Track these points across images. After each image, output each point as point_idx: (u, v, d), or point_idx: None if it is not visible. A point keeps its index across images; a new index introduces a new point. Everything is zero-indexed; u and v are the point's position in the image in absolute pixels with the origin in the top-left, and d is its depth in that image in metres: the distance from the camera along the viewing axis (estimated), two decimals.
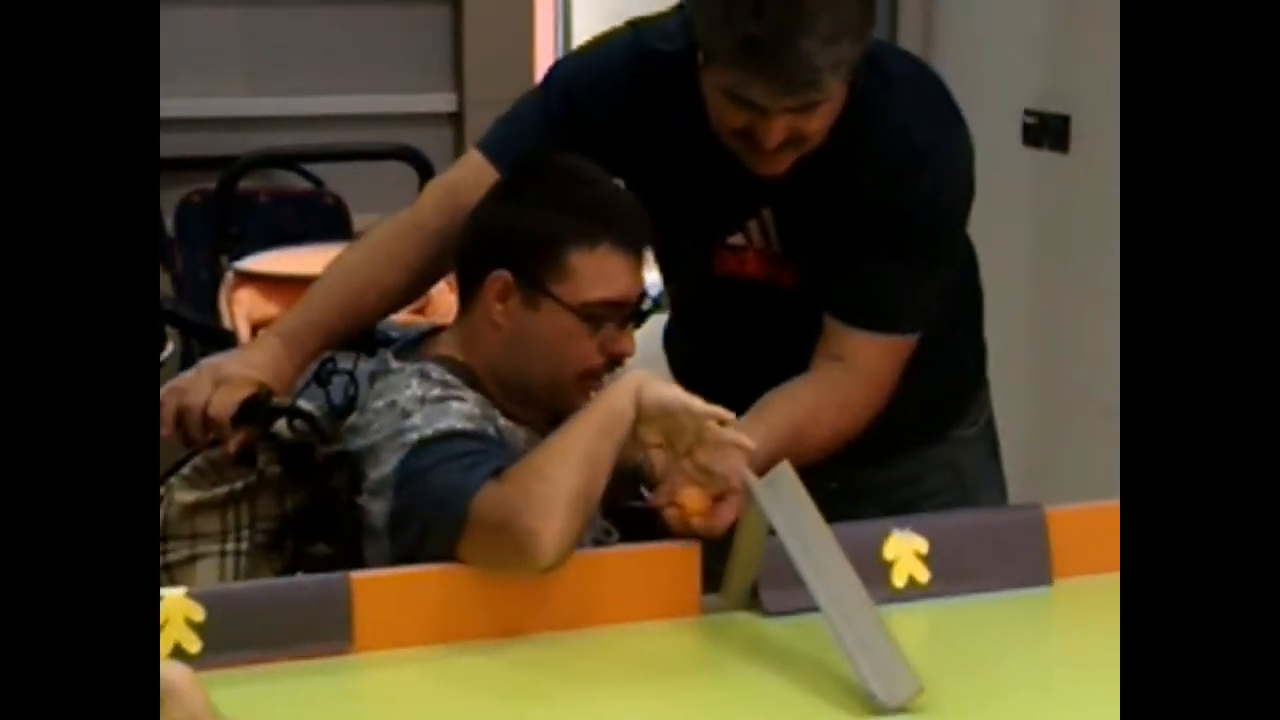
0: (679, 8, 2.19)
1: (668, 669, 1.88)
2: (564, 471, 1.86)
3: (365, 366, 2.15)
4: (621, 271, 2.09)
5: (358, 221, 4.02)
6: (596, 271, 2.07)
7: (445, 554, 1.89)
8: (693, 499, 1.92)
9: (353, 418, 2.08)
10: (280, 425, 2.10)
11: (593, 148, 2.16)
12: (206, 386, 2.04)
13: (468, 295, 2.14)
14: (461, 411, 2.00)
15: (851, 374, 2.16)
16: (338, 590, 1.83)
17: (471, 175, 2.22)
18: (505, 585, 1.88)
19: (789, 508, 1.86)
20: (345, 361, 2.20)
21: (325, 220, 4.01)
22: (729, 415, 1.93)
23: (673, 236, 2.23)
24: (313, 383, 2.16)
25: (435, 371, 2.06)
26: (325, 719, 1.77)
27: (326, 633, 1.81)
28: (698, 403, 1.91)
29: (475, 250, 2.13)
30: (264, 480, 2.08)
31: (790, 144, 2.06)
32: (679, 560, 1.95)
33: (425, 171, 3.92)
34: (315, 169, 4.11)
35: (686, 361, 2.39)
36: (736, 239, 2.23)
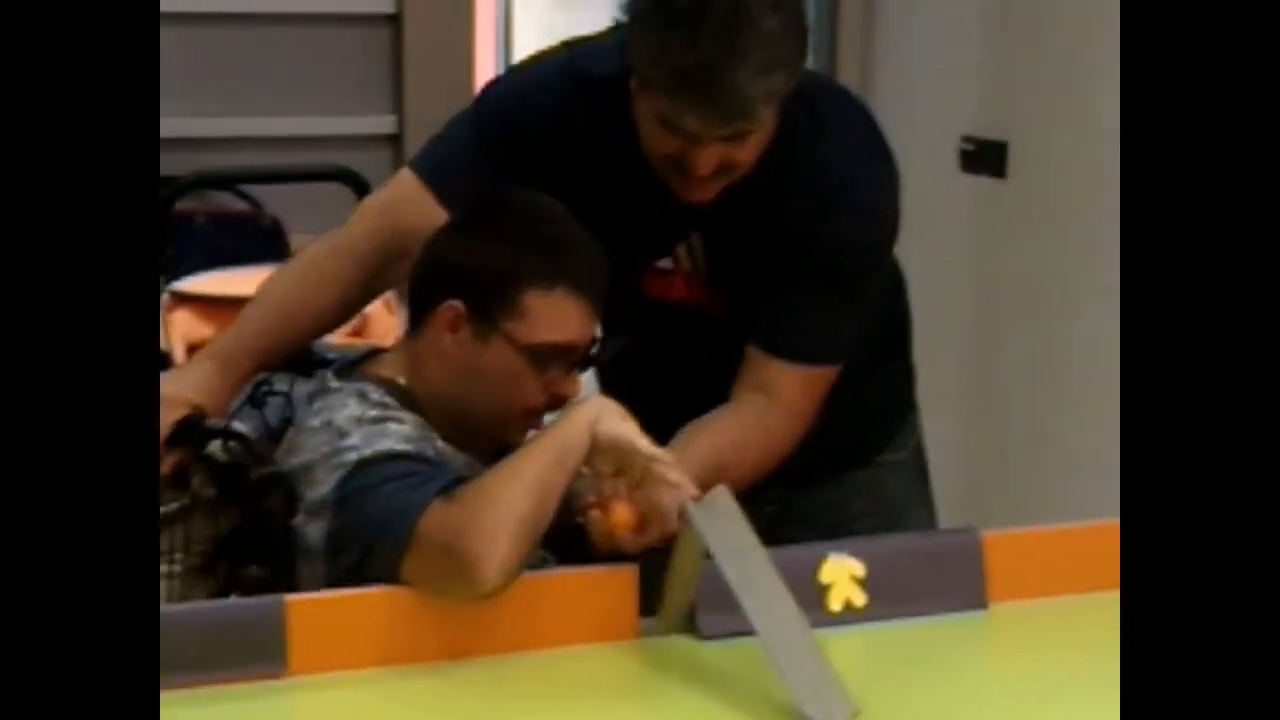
0: (615, 28, 2.18)
1: (605, 693, 1.87)
2: (514, 497, 1.85)
3: (301, 388, 2.14)
4: (575, 316, 2.08)
5: (295, 242, 4.00)
6: (551, 314, 2.06)
7: (388, 574, 1.88)
8: (622, 513, 1.91)
9: (288, 435, 2.07)
10: (214, 447, 2.08)
11: (525, 167, 2.17)
12: None
13: (417, 321, 2.13)
14: (400, 433, 1.99)
15: (773, 405, 2.16)
16: (272, 613, 1.81)
17: (403, 194, 2.23)
18: (442, 609, 1.87)
19: (726, 531, 1.85)
20: (281, 383, 2.19)
21: (263, 241, 3.99)
22: (670, 459, 1.92)
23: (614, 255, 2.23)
24: (247, 404, 2.15)
25: (374, 393, 2.06)
26: None
27: (260, 655, 1.80)
28: (646, 442, 1.90)
29: (431, 277, 2.12)
30: (197, 502, 2.07)
31: (720, 172, 2.07)
32: (616, 583, 1.94)
33: (363, 193, 3.89)
34: (253, 190, 4.09)
35: (615, 380, 2.38)
36: (665, 263, 2.23)
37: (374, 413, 2.02)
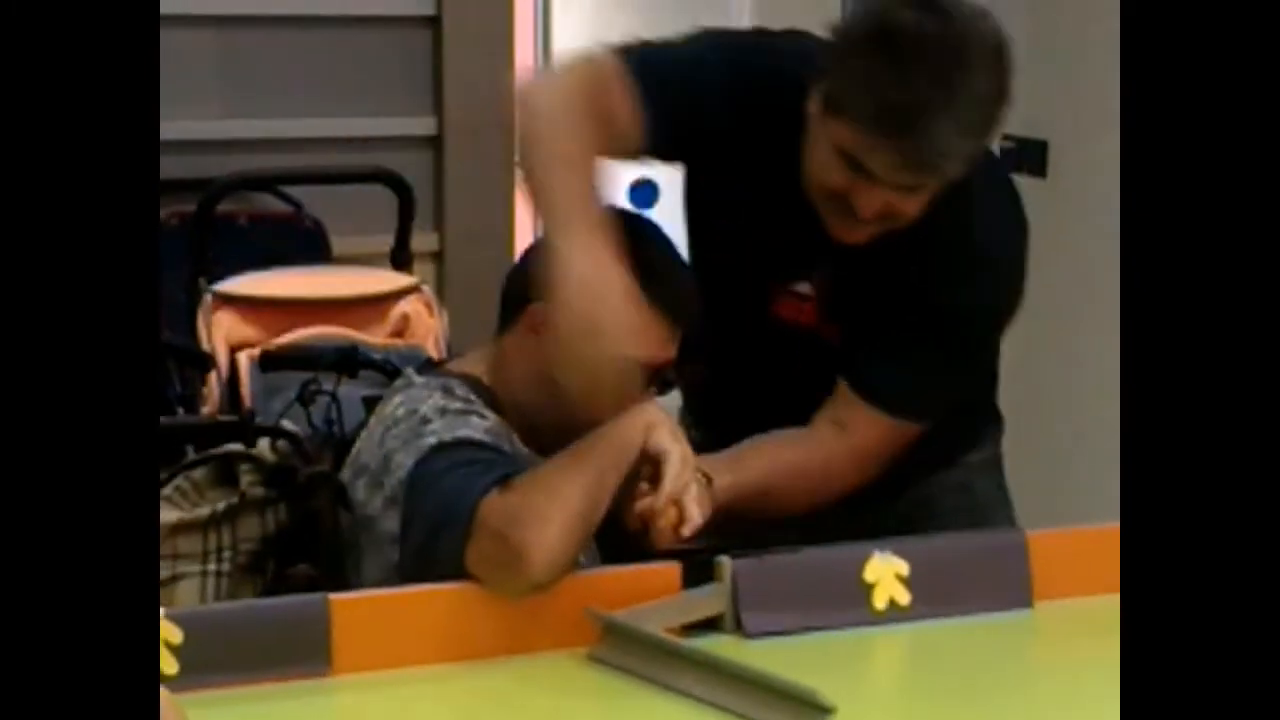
0: (793, 33, 2.16)
1: (650, 689, 1.86)
2: (567, 489, 1.86)
3: (346, 388, 2.15)
4: (654, 336, 2.07)
5: (337, 245, 4.02)
6: None
7: (454, 558, 1.88)
8: (669, 521, 1.92)
9: (366, 431, 2.08)
10: (263, 446, 2.10)
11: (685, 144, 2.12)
12: None
13: (506, 320, 2.14)
14: (481, 425, 2.00)
15: (847, 444, 2.15)
16: (316, 612, 1.81)
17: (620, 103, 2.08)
18: (485, 606, 1.87)
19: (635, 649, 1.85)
20: (328, 383, 2.20)
21: (304, 243, 4.00)
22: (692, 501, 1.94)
23: (729, 269, 2.19)
24: (295, 404, 2.16)
25: (459, 388, 2.07)
26: None
27: (304, 655, 1.80)
28: (690, 461, 1.92)
29: (523, 278, 2.12)
30: (246, 501, 2.07)
31: (881, 218, 2.04)
32: (661, 580, 1.94)
33: (404, 195, 3.92)
34: (294, 192, 4.10)
35: (707, 391, 2.34)
36: (803, 287, 2.20)
37: (458, 405, 2.03)
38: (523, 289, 2.11)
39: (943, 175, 1.99)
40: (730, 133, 2.12)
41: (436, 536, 1.91)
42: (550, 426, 2.06)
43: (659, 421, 1.93)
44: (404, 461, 1.98)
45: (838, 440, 2.15)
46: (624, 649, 1.84)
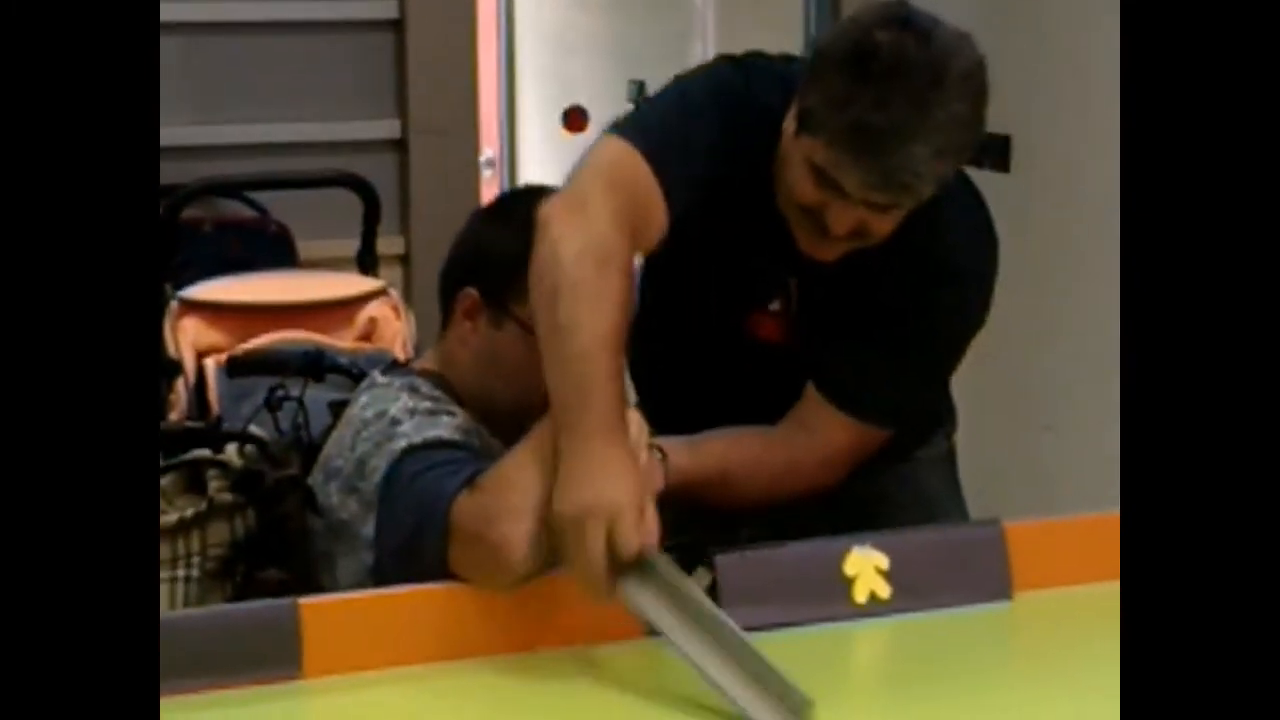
0: (787, 59, 2.17)
1: (620, 690, 1.85)
2: (534, 480, 1.84)
3: (314, 393, 2.15)
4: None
5: (303, 249, 4.01)
6: None
7: (436, 560, 1.88)
8: None
9: (336, 433, 2.08)
10: (230, 451, 2.10)
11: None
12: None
13: (446, 313, 2.16)
14: (451, 424, 2.01)
15: (812, 445, 2.16)
16: (286, 615, 1.81)
17: (646, 192, 2.04)
18: (454, 608, 1.87)
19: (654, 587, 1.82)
20: (295, 388, 2.20)
21: (270, 248, 4.00)
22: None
23: (702, 287, 2.19)
24: (263, 409, 2.16)
25: (424, 386, 2.09)
26: None
27: (275, 658, 1.79)
28: (644, 429, 1.90)
29: (451, 270, 2.17)
30: (214, 507, 2.07)
31: (853, 236, 2.05)
32: None
33: (370, 198, 3.92)
34: (259, 197, 4.09)
35: (667, 400, 2.32)
36: (774, 304, 2.21)
37: (427, 404, 2.04)
38: (454, 276, 2.13)
39: (916, 196, 1.99)
40: (719, 168, 2.11)
41: (418, 540, 1.91)
42: (504, 410, 2.07)
43: None
44: (379, 465, 1.99)
45: (804, 441, 2.16)
46: (647, 587, 1.81)
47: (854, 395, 2.16)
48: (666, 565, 1.81)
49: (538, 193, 2.12)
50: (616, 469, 1.80)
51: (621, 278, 1.93)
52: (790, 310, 2.21)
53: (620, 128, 2.09)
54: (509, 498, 1.84)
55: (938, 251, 2.14)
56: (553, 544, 1.80)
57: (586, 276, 1.90)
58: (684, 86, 2.17)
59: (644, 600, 1.80)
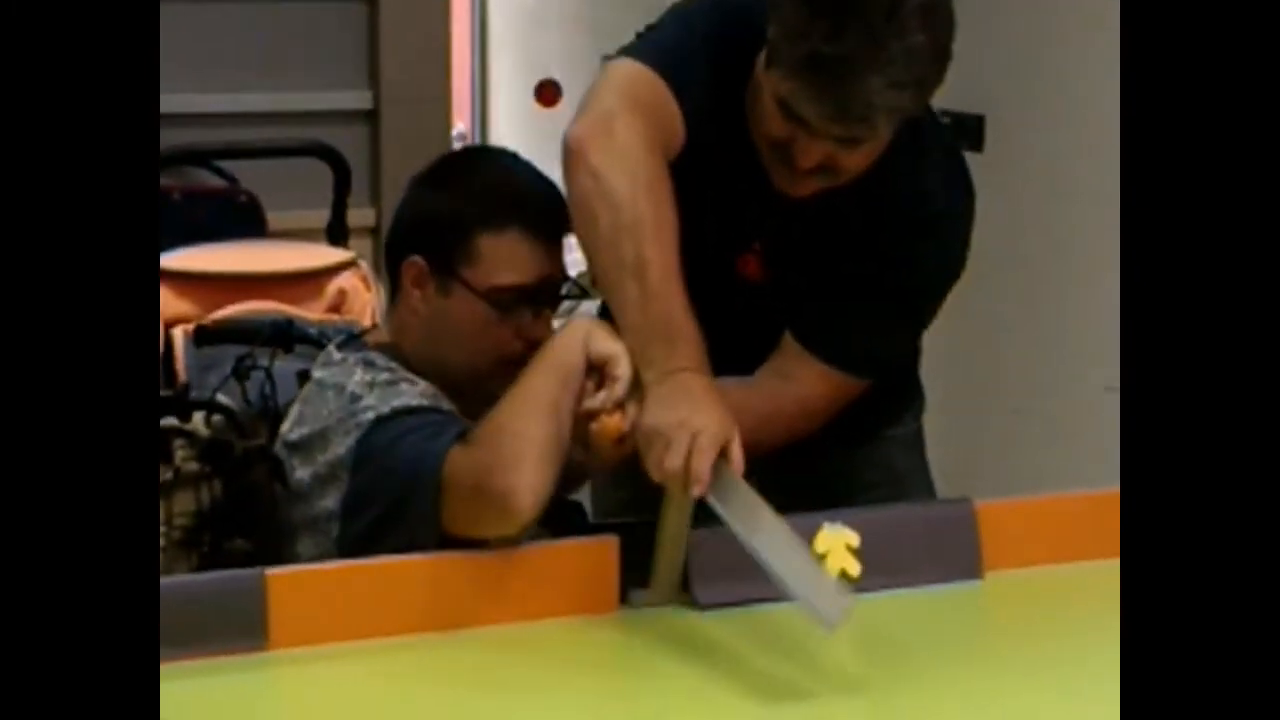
0: None
1: (585, 666, 1.86)
2: (527, 424, 1.85)
3: (282, 363, 2.14)
4: (530, 257, 2.08)
5: (272, 219, 4.00)
6: (505, 256, 2.07)
7: (423, 524, 1.88)
8: (610, 424, 1.90)
9: (294, 408, 2.07)
10: (197, 420, 2.09)
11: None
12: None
13: (394, 284, 2.14)
14: (414, 391, 2.01)
15: (790, 394, 2.16)
16: (252, 586, 1.80)
17: (656, 94, 2.05)
18: (420, 581, 1.87)
19: (717, 479, 1.84)
20: (263, 358, 2.19)
21: (240, 218, 3.97)
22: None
23: (691, 228, 2.13)
24: (231, 378, 2.15)
25: (380, 359, 2.07)
26: (238, 718, 1.75)
27: (241, 629, 1.79)
28: (628, 363, 1.90)
29: (395, 238, 2.15)
30: (180, 476, 2.07)
31: (822, 171, 2.05)
32: (596, 555, 1.94)
33: (340, 169, 3.90)
34: (229, 166, 4.08)
35: None
36: (757, 245, 2.21)
37: (385, 376, 2.03)
38: (398, 245, 2.13)
39: (874, 128, 1.99)
40: (709, 97, 2.11)
41: (402, 506, 1.91)
42: (459, 376, 2.07)
43: (594, 327, 1.92)
44: (342, 440, 1.98)
45: (782, 390, 2.16)
46: (726, 496, 1.84)
47: (832, 344, 2.15)
48: (738, 482, 1.84)
49: (474, 156, 2.11)
50: (705, 399, 1.84)
51: (671, 203, 1.95)
52: (769, 248, 2.21)
53: (629, 50, 2.10)
54: (507, 447, 1.84)
55: (915, 200, 2.14)
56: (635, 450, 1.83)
57: (645, 213, 1.92)
58: (688, 12, 2.17)
59: (718, 499, 1.83)
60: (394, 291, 2.15)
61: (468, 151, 2.13)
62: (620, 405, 1.89)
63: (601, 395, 1.89)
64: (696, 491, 1.80)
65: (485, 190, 2.08)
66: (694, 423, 1.81)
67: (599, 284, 1.98)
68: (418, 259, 2.09)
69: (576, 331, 1.91)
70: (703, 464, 1.79)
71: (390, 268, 2.15)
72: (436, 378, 2.08)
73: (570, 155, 1.97)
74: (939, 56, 1.97)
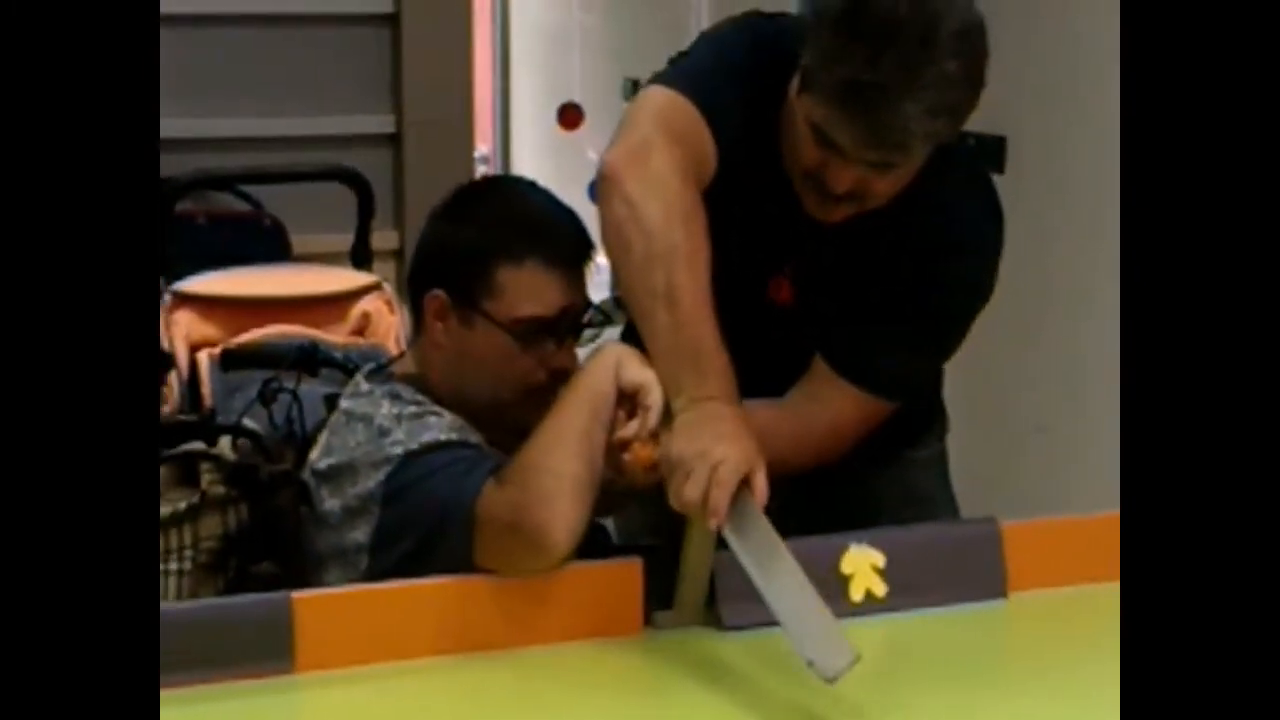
0: (786, 16, 2.17)
1: (611, 688, 1.86)
2: (561, 460, 1.85)
3: (307, 387, 2.15)
4: (550, 287, 2.08)
5: (297, 243, 4.01)
6: (525, 288, 2.07)
7: (456, 560, 1.88)
8: (642, 451, 1.90)
9: (323, 437, 2.08)
10: (224, 444, 2.09)
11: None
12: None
13: (416, 317, 2.15)
14: (442, 425, 2.01)
15: (820, 416, 2.16)
16: (279, 609, 1.80)
17: (690, 123, 2.06)
18: (445, 604, 1.87)
19: (736, 511, 1.85)
20: (288, 382, 2.20)
21: (264, 242, 3.99)
22: None
23: (722, 253, 2.13)
24: (256, 402, 2.16)
25: (406, 392, 2.08)
26: None
27: (268, 652, 1.79)
28: (660, 392, 1.90)
29: (416, 271, 2.15)
30: (207, 500, 2.07)
31: (854, 197, 2.05)
32: (621, 578, 1.94)
33: (364, 192, 3.91)
34: (253, 190, 4.09)
35: None
36: (789, 270, 2.21)
37: (412, 409, 2.03)
38: (420, 278, 2.13)
39: (910, 154, 2.00)
40: (741, 122, 2.11)
41: (434, 542, 1.92)
42: (482, 407, 2.07)
43: (625, 355, 1.92)
44: (370, 473, 1.98)
45: (812, 412, 2.16)
46: (742, 530, 1.83)
47: (861, 367, 2.15)
48: (757, 516, 1.83)
49: (492, 187, 2.12)
50: (731, 429, 1.84)
51: (704, 233, 1.95)
52: (799, 272, 2.21)
53: (662, 78, 2.10)
54: (541, 483, 1.84)
55: (944, 225, 2.14)
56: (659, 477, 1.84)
57: (678, 241, 1.93)
58: (718, 35, 2.19)
59: (734, 534, 1.82)
60: (417, 324, 2.16)
61: (485, 182, 2.14)
62: (654, 434, 1.89)
63: (634, 424, 1.89)
64: (713, 524, 1.80)
65: (503, 222, 2.09)
66: (716, 453, 1.80)
67: (631, 311, 1.98)
68: (439, 293, 2.10)
69: (607, 360, 1.91)
70: (721, 497, 1.79)
71: (413, 301, 2.15)
72: (462, 409, 2.08)
73: (605, 183, 1.98)
74: (973, 83, 1.98)
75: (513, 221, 2.09)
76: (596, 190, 2.00)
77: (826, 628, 1.76)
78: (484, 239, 2.08)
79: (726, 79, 2.10)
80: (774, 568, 1.81)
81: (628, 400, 1.90)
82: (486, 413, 2.08)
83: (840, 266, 2.17)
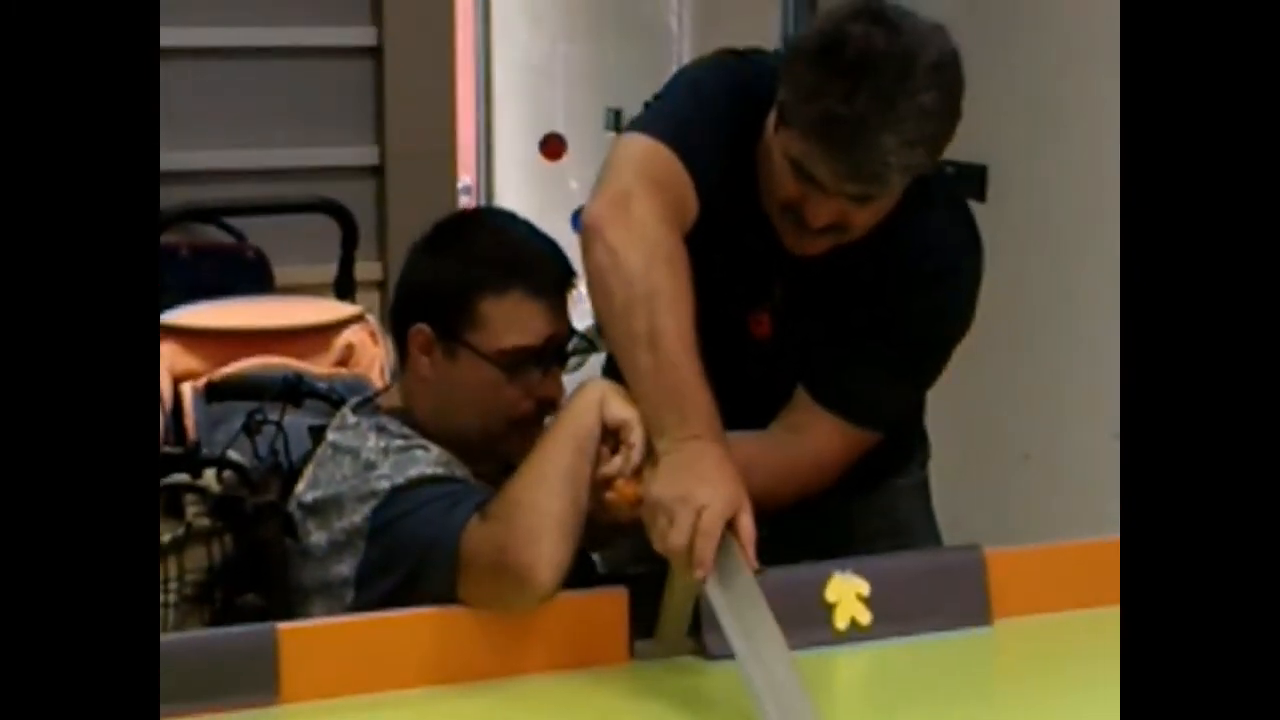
0: (778, 52, 2.18)
1: (598, 717, 1.86)
2: (545, 498, 1.85)
3: (292, 418, 2.15)
4: (534, 317, 2.09)
5: (280, 275, 4.01)
6: (509, 319, 2.07)
7: (440, 597, 1.88)
8: (629, 488, 1.90)
9: (309, 470, 2.08)
10: (209, 477, 2.09)
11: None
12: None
13: (401, 352, 2.15)
14: (428, 459, 2.01)
15: (803, 447, 2.17)
16: (264, 641, 1.80)
17: (670, 170, 2.07)
18: (431, 635, 1.87)
19: (719, 564, 1.85)
20: (273, 413, 2.20)
21: (247, 274, 3.99)
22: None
23: (702, 288, 2.14)
24: (241, 434, 2.16)
25: (392, 425, 2.08)
26: None
27: (252, 684, 1.79)
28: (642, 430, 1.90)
29: (399, 306, 2.15)
30: (192, 532, 2.07)
31: (833, 230, 2.07)
32: (607, 607, 1.94)
33: (347, 224, 3.92)
34: (237, 223, 4.09)
35: None
36: (768, 304, 2.22)
37: (399, 442, 2.03)
38: (403, 313, 2.13)
39: (888, 186, 2.01)
40: (719, 161, 2.12)
41: (418, 579, 1.91)
42: (470, 440, 2.07)
43: (608, 391, 1.92)
44: (357, 507, 1.98)
45: (796, 444, 2.16)
46: (725, 583, 1.82)
47: (843, 397, 2.16)
48: (740, 569, 1.82)
49: (471, 220, 2.13)
50: (715, 470, 1.83)
51: (687, 278, 1.96)
52: (778, 305, 2.22)
53: (640, 124, 2.12)
54: (523, 521, 1.84)
55: (922, 254, 2.15)
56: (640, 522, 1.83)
57: (662, 284, 1.93)
58: (694, 77, 2.20)
59: (716, 587, 1.81)
60: (402, 358, 2.16)
61: (464, 215, 2.14)
62: (637, 471, 1.89)
63: (618, 461, 1.89)
64: (698, 575, 1.79)
65: (485, 253, 2.09)
66: (699, 497, 1.80)
67: (615, 357, 1.99)
68: (423, 327, 2.10)
69: (591, 396, 1.91)
70: (706, 548, 1.78)
71: (396, 335, 2.16)
72: (448, 441, 2.08)
73: (588, 233, 1.99)
74: (950, 114, 2.00)
75: (494, 253, 2.10)
76: (580, 243, 2.00)
77: (797, 701, 1.74)
78: (466, 271, 2.08)
79: (705, 123, 2.11)
80: (753, 633, 1.79)
81: (611, 437, 1.90)
82: (474, 445, 2.08)
83: (820, 299, 2.18)
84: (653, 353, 1.90)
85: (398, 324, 2.15)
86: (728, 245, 2.15)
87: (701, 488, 1.81)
